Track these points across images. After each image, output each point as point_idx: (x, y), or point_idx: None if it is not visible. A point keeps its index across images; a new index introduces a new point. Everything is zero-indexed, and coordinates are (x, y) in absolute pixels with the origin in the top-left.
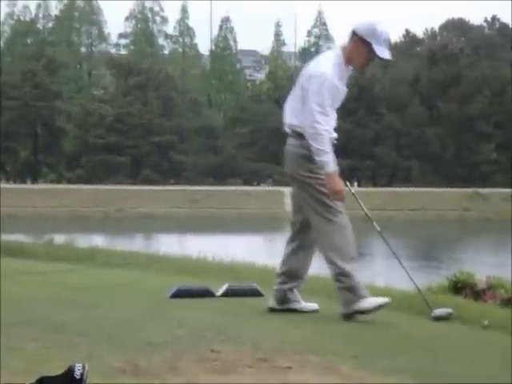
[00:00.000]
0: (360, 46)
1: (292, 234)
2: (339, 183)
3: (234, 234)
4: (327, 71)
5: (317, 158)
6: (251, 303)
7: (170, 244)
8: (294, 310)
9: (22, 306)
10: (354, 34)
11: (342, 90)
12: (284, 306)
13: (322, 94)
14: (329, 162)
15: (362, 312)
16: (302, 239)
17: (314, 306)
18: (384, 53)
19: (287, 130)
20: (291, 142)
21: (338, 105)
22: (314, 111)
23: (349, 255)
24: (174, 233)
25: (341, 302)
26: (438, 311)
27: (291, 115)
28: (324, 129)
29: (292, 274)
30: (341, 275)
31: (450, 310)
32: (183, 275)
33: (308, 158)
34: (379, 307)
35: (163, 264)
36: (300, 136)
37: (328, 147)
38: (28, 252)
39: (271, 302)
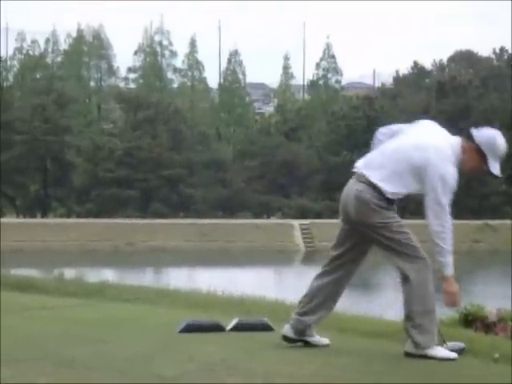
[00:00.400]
0: (474, 153)
1: (324, 268)
2: (455, 287)
3: (244, 267)
4: (454, 172)
5: (439, 258)
6: (261, 337)
7: (179, 278)
8: (306, 343)
9: (31, 341)
10: (473, 139)
11: None
12: (300, 338)
13: (450, 192)
14: (450, 263)
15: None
16: (335, 273)
17: (326, 340)
18: (496, 169)
19: (360, 176)
20: (362, 188)
21: None
22: (446, 208)
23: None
24: (184, 266)
25: (411, 342)
26: (451, 344)
27: (381, 176)
28: (450, 228)
29: (316, 307)
30: (418, 315)
31: (462, 345)
32: (193, 309)
33: (385, 207)
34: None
35: (173, 298)
36: (374, 187)
37: (451, 247)
38: (38, 287)
39: (287, 331)
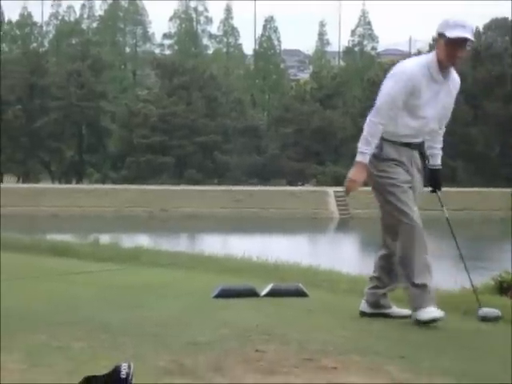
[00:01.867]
0: (440, 42)
1: (383, 240)
2: (359, 175)
3: (278, 234)
4: (407, 70)
5: (358, 144)
6: (296, 303)
7: (214, 244)
8: (386, 315)
9: (67, 305)
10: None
11: (434, 93)
12: (376, 311)
13: (391, 93)
14: (364, 152)
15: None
16: (389, 245)
17: (406, 311)
18: (453, 33)
19: None
20: None
21: (434, 107)
22: (375, 108)
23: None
24: (218, 233)
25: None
26: (485, 311)
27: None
28: (378, 122)
29: (384, 278)
30: (408, 278)
31: (498, 313)
32: (227, 275)
33: (377, 157)
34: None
35: (207, 264)
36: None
37: (373, 139)
38: (74, 252)
39: (363, 306)
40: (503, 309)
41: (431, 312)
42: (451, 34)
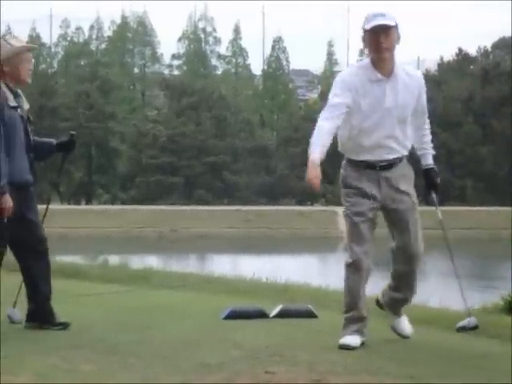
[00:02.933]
0: (364, 38)
1: None
2: (311, 174)
3: (288, 254)
4: (342, 74)
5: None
6: (305, 324)
7: (223, 264)
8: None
9: (77, 328)
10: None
11: (379, 93)
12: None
13: (331, 96)
14: (311, 152)
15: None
16: None
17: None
18: (369, 24)
19: None
20: None
21: (380, 107)
22: (326, 105)
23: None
24: (228, 253)
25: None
26: (461, 323)
27: None
28: (320, 124)
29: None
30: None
31: (474, 322)
32: (237, 296)
33: (342, 181)
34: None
35: (217, 285)
36: None
37: (316, 140)
38: (83, 274)
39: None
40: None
41: (345, 339)
42: (368, 25)
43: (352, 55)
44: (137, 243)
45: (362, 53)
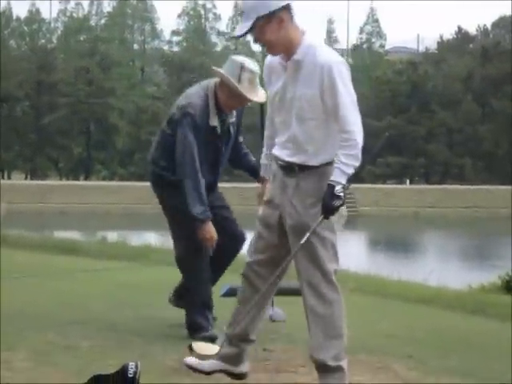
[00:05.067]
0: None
1: None
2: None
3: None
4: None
5: None
6: (301, 302)
7: None
8: None
9: (75, 304)
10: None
11: (282, 83)
12: None
13: None
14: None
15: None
16: None
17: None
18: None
19: None
20: None
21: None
22: None
23: None
24: None
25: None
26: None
27: None
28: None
29: None
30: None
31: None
32: (235, 274)
33: None
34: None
35: None
36: None
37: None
38: (81, 250)
39: None
40: (509, 307)
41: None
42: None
43: (352, 33)
44: (135, 219)
45: (361, 30)
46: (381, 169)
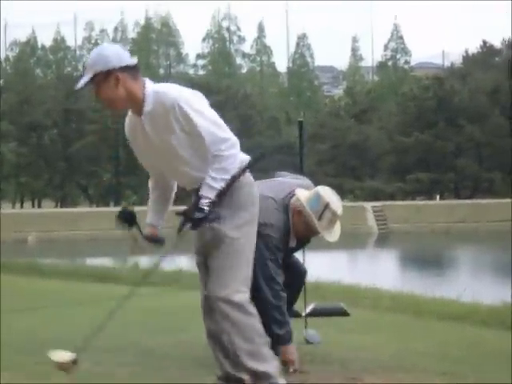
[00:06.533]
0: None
1: None
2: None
3: (317, 250)
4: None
5: None
6: (338, 322)
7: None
8: None
9: (110, 331)
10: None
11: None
12: None
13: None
14: None
15: None
16: None
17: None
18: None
19: None
20: None
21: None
22: None
23: None
24: None
25: None
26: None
27: None
28: None
29: None
30: None
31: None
32: None
33: None
34: None
35: None
36: None
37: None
38: (114, 277)
39: None
40: None
41: None
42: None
43: (377, 50)
44: (166, 244)
45: (386, 47)
46: (410, 185)
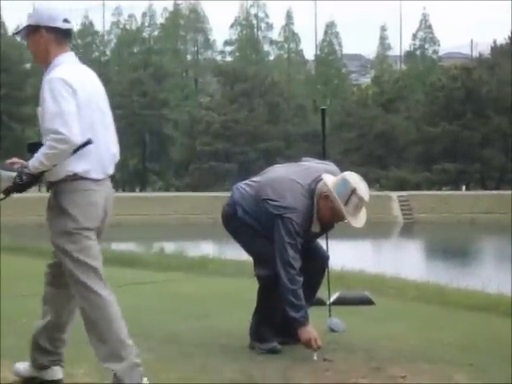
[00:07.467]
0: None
1: None
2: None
3: (342, 239)
4: None
5: None
6: (363, 311)
7: None
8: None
9: (134, 316)
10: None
11: None
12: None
13: None
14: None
15: None
16: None
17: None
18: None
19: None
20: None
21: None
22: None
23: None
24: None
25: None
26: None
27: None
28: None
29: None
30: None
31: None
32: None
33: None
34: None
35: None
36: None
37: None
38: (139, 261)
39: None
40: None
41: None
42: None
43: (405, 39)
44: (192, 230)
45: (414, 36)
46: (436, 175)
